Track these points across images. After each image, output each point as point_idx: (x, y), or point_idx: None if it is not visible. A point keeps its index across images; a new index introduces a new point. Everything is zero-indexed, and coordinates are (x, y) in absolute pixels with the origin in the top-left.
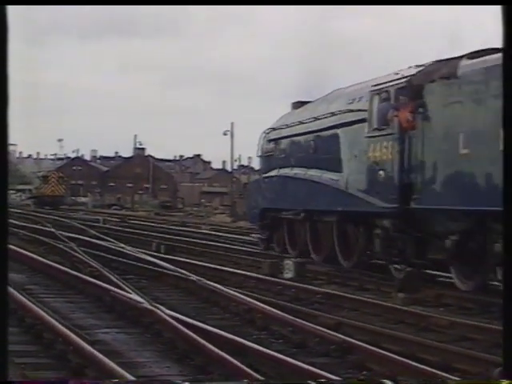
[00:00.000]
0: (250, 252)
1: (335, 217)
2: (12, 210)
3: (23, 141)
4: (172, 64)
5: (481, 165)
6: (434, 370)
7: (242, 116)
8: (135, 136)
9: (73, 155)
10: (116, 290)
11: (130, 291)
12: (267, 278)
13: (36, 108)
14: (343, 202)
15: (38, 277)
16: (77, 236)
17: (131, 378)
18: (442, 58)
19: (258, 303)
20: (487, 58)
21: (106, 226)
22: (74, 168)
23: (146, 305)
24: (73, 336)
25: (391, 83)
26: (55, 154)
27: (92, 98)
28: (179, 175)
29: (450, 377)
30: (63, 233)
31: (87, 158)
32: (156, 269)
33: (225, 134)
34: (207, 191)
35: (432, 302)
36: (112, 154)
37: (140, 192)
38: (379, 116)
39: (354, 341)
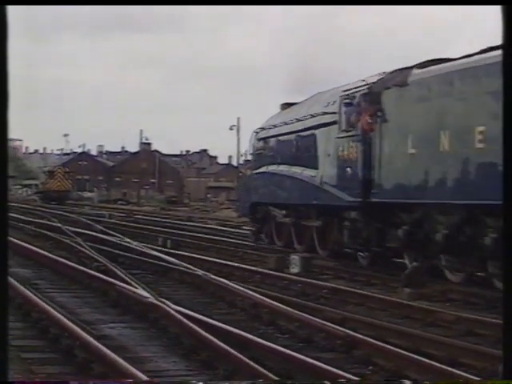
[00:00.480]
0: (256, 247)
1: (313, 210)
2: (18, 205)
3: (29, 136)
4: (179, 59)
5: (425, 163)
6: (440, 365)
7: (248, 110)
8: (141, 131)
9: (79, 150)
10: (122, 284)
11: (136, 286)
12: (273, 272)
13: (42, 103)
14: (319, 196)
15: (44, 272)
16: (83, 231)
17: (139, 373)
18: (400, 68)
19: (264, 298)
20: (432, 67)
21: (112, 220)
22: (80, 163)
23: (152, 300)
24: (79, 331)
25: (356, 89)
26: (61, 149)
27: (98, 93)
28: (185, 170)
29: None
30: (69, 228)
31: (93, 152)
32: (162, 264)
33: (231, 129)
34: (213, 186)
35: (438, 297)
36: (118, 149)
37: (146, 187)
38: (346, 119)
39: (359, 336)
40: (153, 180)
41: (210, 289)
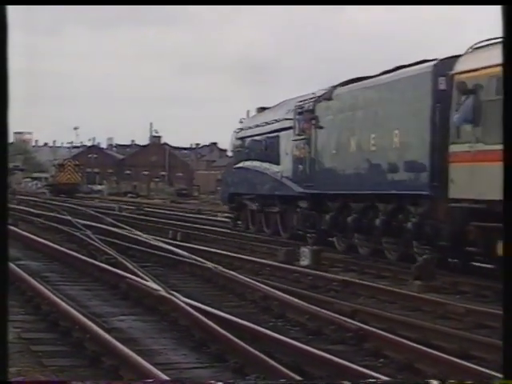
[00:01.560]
0: (266, 240)
1: (276, 200)
2: (28, 198)
3: (39, 129)
4: (187, 52)
5: (341, 162)
6: (450, 358)
7: (258, 103)
8: (151, 124)
9: (89, 143)
10: (132, 277)
11: (147, 279)
12: (283, 265)
13: (52, 96)
14: (280, 188)
15: (55, 264)
16: (93, 224)
17: (152, 369)
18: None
19: (274, 290)
20: (348, 85)
21: (122, 213)
22: (90, 156)
23: (163, 292)
24: (89, 323)
25: (305, 101)
26: (71, 142)
27: (108, 86)
28: (195, 163)
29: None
30: (79, 221)
31: (103, 145)
32: (172, 256)
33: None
34: None
35: (448, 290)
36: (128, 142)
37: (156, 180)
38: (298, 125)
39: (370, 328)
40: (163, 173)
41: (221, 281)
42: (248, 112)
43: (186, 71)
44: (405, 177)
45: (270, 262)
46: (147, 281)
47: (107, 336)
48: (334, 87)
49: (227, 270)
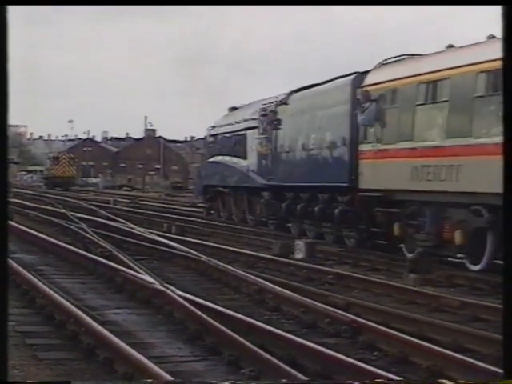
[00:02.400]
0: (261, 233)
1: (244, 190)
2: (23, 191)
3: (34, 122)
4: (182, 44)
5: (292, 158)
6: (445, 351)
7: (253, 96)
8: (146, 117)
9: (84, 136)
10: (127, 270)
11: (141, 272)
12: (278, 258)
13: (47, 89)
14: (247, 180)
15: (49, 258)
16: (88, 217)
17: (146, 362)
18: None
19: (269, 284)
20: (301, 92)
21: (117, 206)
22: (85, 149)
23: (157, 285)
24: (84, 317)
25: (268, 104)
26: (66, 135)
27: (103, 79)
28: (190, 156)
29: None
30: (74, 214)
31: (98, 139)
32: (167, 249)
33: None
34: None
35: (443, 283)
36: (123, 135)
37: (151, 173)
38: (262, 125)
39: (364, 321)
40: (157, 166)
41: (215, 274)
42: (242, 104)
43: (182, 64)
44: (333, 171)
45: (265, 255)
46: (142, 274)
47: (102, 329)
48: (291, 93)
49: (222, 263)
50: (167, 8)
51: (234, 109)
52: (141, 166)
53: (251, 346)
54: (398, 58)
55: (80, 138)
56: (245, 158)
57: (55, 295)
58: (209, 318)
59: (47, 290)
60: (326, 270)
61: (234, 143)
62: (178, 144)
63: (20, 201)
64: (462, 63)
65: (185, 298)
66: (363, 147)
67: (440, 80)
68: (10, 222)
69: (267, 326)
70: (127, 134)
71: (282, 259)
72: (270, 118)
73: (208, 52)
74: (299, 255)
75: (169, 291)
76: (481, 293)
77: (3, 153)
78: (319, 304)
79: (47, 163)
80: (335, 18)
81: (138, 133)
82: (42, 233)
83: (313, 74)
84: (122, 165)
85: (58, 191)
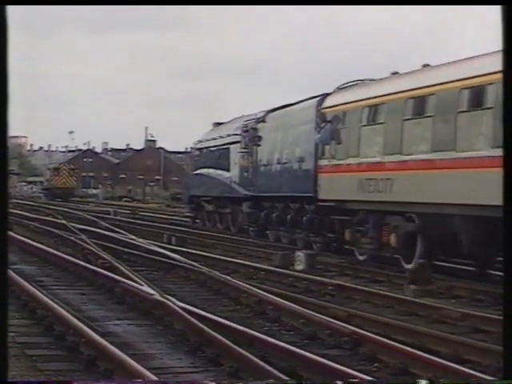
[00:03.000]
0: (261, 244)
1: (227, 200)
2: (23, 202)
3: (34, 133)
4: (182, 56)
5: (270, 171)
6: (445, 362)
7: (253, 108)
8: (146, 128)
9: (84, 147)
10: (127, 281)
11: (141, 283)
12: (278, 269)
13: (47, 100)
14: (230, 191)
15: (50, 268)
16: (88, 228)
17: (146, 371)
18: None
19: (269, 295)
20: (278, 111)
21: (117, 217)
22: (85, 160)
23: (157, 296)
24: (84, 328)
25: (249, 121)
26: (66, 146)
27: (103, 90)
28: (190, 167)
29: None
30: (74, 225)
31: (98, 150)
32: (167, 261)
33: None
34: None
35: (444, 294)
36: (123, 146)
37: (151, 184)
38: (243, 140)
39: (365, 333)
40: (158, 177)
41: (215, 286)
42: (243, 115)
43: (182, 75)
44: (302, 183)
45: (265, 267)
46: (142, 285)
47: (102, 340)
48: (268, 112)
49: (222, 275)
50: (167, 18)
51: (218, 124)
52: (141, 176)
53: (251, 357)
54: (351, 84)
55: (80, 149)
56: (228, 170)
57: (55, 306)
58: (209, 329)
59: (47, 300)
60: (327, 281)
61: (218, 156)
62: (179, 155)
63: (20, 211)
64: (395, 90)
65: (185, 309)
66: (321, 162)
67: (379, 105)
68: (10, 233)
69: (267, 338)
70: (127, 145)
71: (282, 270)
72: (250, 134)
73: (208, 63)
74: (300, 266)
75: (169, 302)
76: (481, 304)
77: (3, 163)
78: (320, 315)
79: (47, 174)
80: (335, 24)
81: (138, 144)
82: (42, 244)
83: (312, 84)
84: (123, 176)
85: (58, 202)
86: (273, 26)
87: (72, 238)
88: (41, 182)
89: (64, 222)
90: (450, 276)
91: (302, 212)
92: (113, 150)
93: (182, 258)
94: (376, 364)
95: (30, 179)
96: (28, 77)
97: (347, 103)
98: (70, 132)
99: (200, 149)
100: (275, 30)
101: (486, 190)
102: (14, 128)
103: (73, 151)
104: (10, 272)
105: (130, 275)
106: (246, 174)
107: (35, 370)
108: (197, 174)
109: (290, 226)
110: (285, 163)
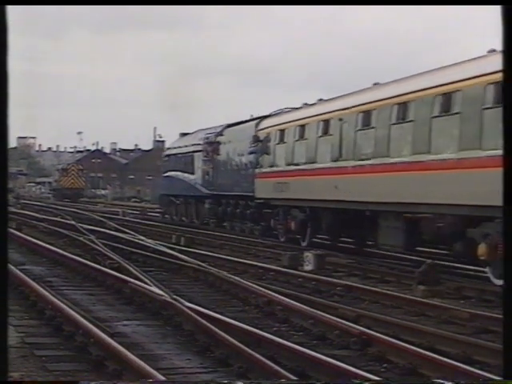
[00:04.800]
0: (269, 244)
1: (192, 198)
2: (31, 202)
3: (42, 133)
4: (190, 55)
5: (226, 174)
6: (454, 363)
7: (260, 108)
8: (155, 129)
9: (92, 148)
10: (136, 282)
11: (150, 283)
12: (287, 270)
13: (56, 100)
14: (194, 190)
15: (58, 269)
16: (96, 228)
17: (155, 371)
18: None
19: (278, 295)
20: (232, 127)
21: (126, 218)
22: (94, 161)
23: (166, 297)
24: (93, 328)
25: (210, 133)
26: (75, 147)
27: (111, 90)
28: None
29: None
30: (83, 225)
31: (107, 150)
32: (176, 261)
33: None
34: None
35: (452, 295)
36: (131, 147)
37: None
38: (206, 148)
39: (374, 333)
40: None
41: (224, 286)
42: (251, 116)
43: (189, 75)
44: (247, 185)
45: (274, 267)
46: (151, 285)
47: (111, 341)
48: (225, 127)
49: (231, 275)
50: (175, 20)
51: (184, 134)
52: (150, 177)
53: (260, 357)
54: (279, 111)
55: (89, 150)
56: (193, 173)
57: (64, 307)
58: (218, 329)
59: (56, 301)
60: (336, 281)
61: (184, 162)
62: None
63: (28, 212)
64: (298, 117)
65: (194, 310)
66: (256, 170)
67: (285, 129)
68: (19, 233)
69: (276, 338)
70: (136, 145)
71: (290, 271)
72: (211, 145)
73: (215, 62)
74: (308, 267)
75: (177, 303)
76: (490, 304)
77: (3, 163)
78: (328, 316)
79: (56, 175)
80: (337, 29)
81: (146, 144)
82: (50, 244)
83: (313, 88)
84: (131, 176)
85: (66, 203)
86: (284, 25)
87: (81, 239)
88: (49, 183)
89: (73, 222)
90: (332, 250)
91: (247, 207)
92: (121, 150)
93: (190, 259)
94: (385, 365)
95: (39, 180)
96: (36, 78)
97: (270, 127)
98: (79, 132)
99: (169, 155)
100: (286, 29)
101: (333, 190)
102: (23, 129)
103: (81, 152)
104: (19, 272)
105: (139, 276)
106: (207, 176)
107: (44, 370)
108: (166, 176)
109: (239, 217)
110: (236, 169)
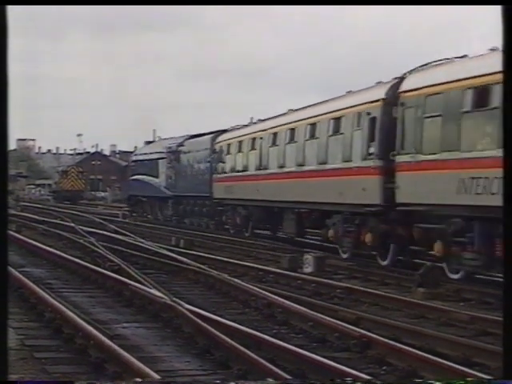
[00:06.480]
0: (270, 247)
1: (157, 199)
2: (31, 204)
3: (42, 136)
4: (188, 57)
5: (185, 179)
6: (454, 365)
7: (259, 109)
8: (154, 131)
9: (92, 150)
10: (136, 284)
11: (150, 286)
12: (287, 272)
13: (55, 102)
14: (158, 192)
15: (58, 271)
16: (96, 231)
17: (155, 374)
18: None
19: (278, 298)
20: (192, 139)
21: (126, 220)
22: (94, 163)
23: (166, 299)
24: (93, 330)
25: (172, 143)
26: (74, 149)
27: (111, 92)
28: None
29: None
30: (83, 227)
31: (106, 152)
32: (175, 263)
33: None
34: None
35: (452, 297)
36: (131, 149)
37: None
38: (168, 157)
39: (374, 335)
40: None
41: (224, 288)
42: (251, 119)
43: (188, 77)
44: (204, 187)
45: (274, 269)
46: (150, 288)
47: (110, 343)
48: (186, 138)
49: (230, 277)
50: (175, 21)
51: (149, 142)
52: None
53: (260, 359)
54: (237, 126)
55: (88, 152)
56: (157, 177)
57: (64, 309)
58: (218, 331)
59: (56, 303)
60: (336, 284)
61: (149, 167)
62: None
63: (28, 214)
64: (247, 132)
65: (193, 312)
66: (213, 176)
67: (230, 144)
68: (19, 236)
69: (276, 340)
70: (135, 147)
71: (290, 273)
72: (173, 153)
73: (216, 64)
74: (308, 269)
75: (177, 305)
76: (489, 307)
77: (3, 163)
78: (328, 318)
79: (56, 177)
80: (338, 28)
81: None
82: (50, 246)
83: (314, 88)
84: None
85: (66, 205)
86: (285, 25)
87: (81, 241)
88: (49, 185)
89: (72, 224)
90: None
91: (204, 206)
92: (121, 152)
93: (190, 261)
94: (385, 367)
95: (39, 182)
96: (35, 80)
97: (223, 141)
98: (78, 135)
99: (135, 160)
100: (288, 29)
101: (256, 192)
102: (22, 131)
103: (81, 154)
104: (19, 275)
105: (139, 278)
106: (170, 180)
107: (44, 372)
108: (134, 179)
109: (197, 215)
110: (194, 174)
